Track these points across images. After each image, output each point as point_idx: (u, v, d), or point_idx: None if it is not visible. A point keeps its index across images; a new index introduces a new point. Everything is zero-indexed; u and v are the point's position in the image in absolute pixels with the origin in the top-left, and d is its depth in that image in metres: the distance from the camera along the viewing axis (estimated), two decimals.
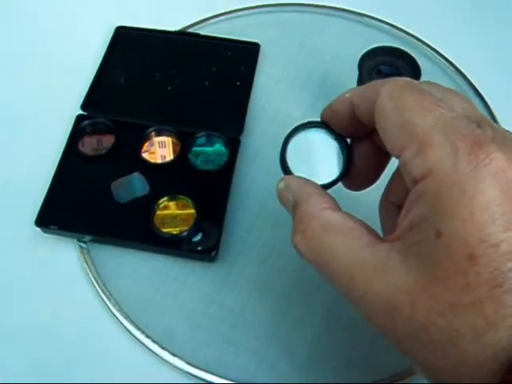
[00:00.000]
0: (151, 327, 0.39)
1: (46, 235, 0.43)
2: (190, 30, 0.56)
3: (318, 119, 0.32)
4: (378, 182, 0.32)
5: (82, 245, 0.42)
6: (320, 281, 0.28)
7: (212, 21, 0.57)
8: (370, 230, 0.27)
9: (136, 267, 0.42)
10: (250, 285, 0.41)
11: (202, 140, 0.47)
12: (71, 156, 0.46)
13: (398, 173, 0.31)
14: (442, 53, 0.55)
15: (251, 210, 0.45)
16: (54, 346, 0.39)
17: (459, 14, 0.60)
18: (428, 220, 0.23)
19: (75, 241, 0.43)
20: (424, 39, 0.56)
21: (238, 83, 0.51)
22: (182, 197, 0.43)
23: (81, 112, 0.48)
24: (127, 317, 0.39)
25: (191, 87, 0.51)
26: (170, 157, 0.46)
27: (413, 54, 0.46)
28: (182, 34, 0.55)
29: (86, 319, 0.40)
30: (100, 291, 0.40)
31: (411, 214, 0.24)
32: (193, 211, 0.43)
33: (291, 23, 0.57)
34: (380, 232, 0.29)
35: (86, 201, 0.44)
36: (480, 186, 0.22)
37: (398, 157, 0.26)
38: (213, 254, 0.41)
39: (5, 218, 0.44)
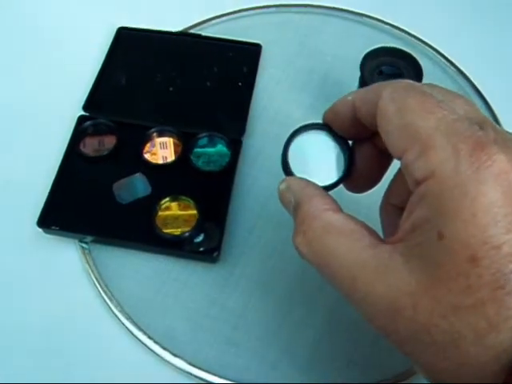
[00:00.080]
0: (153, 328, 0.39)
1: (48, 236, 0.43)
2: (192, 31, 0.56)
3: (320, 120, 0.32)
4: (379, 184, 0.32)
5: (84, 245, 0.42)
6: (321, 282, 0.28)
7: (213, 22, 0.57)
8: (372, 232, 0.27)
9: (138, 268, 0.42)
10: (251, 285, 0.41)
11: (204, 141, 0.47)
12: (73, 157, 0.46)
13: (399, 175, 0.31)
14: (443, 53, 0.55)
15: (253, 211, 0.45)
16: (55, 346, 0.39)
17: (460, 13, 0.60)
18: (430, 222, 0.23)
19: (77, 241, 0.43)
20: (424, 39, 0.56)
21: (240, 84, 0.51)
22: (183, 198, 0.43)
23: (82, 113, 0.48)
24: (129, 317, 0.39)
25: (193, 88, 0.51)
26: (171, 158, 0.46)
27: (413, 54, 0.46)
28: (184, 35, 0.55)
29: (87, 320, 0.40)
30: (101, 292, 0.40)
31: (413, 216, 0.24)
32: (195, 212, 0.43)
33: (292, 24, 0.57)
34: (381, 234, 0.29)
35: (88, 201, 0.44)
36: (482, 187, 0.22)
37: (399, 159, 0.26)
38: (215, 254, 0.41)
39: (7, 218, 0.44)
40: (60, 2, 0.59)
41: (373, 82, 0.45)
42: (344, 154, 0.31)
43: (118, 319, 0.39)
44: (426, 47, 0.55)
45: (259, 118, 0.50)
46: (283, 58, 0.54)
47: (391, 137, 0.26)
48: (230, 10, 0.58)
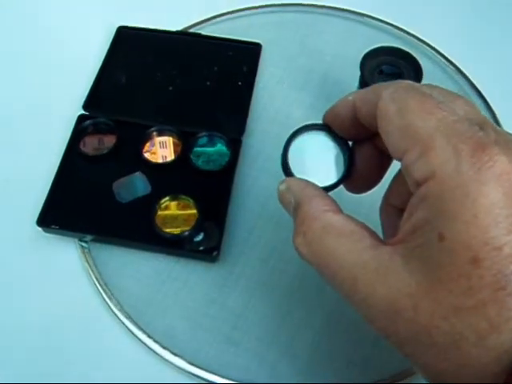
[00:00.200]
0: (152, 327, 0.39)
1: (48, 235, 0.43)
2: (192, 30, 0.56)
3: (320, 120, 0.32)
4: (379, 185, 0.32)
5: (84, 244, 0.42)
6: (321, 282, 0.28)
7: (213, 21, 0.57)
8: (372, 233, 0.27)
9: (137, 267, 0.42)
10: (251, 285, 0.41)
11: (204, 140, 0.47)
12: (73, 156, 0.46)
13: (399, 176, 0.31)
14: (443, 52, 0.55)
15: (252, 211, 0.45)
16: (55, 345, 0.39)
17: (460, 13, 0.60)
18: (431, 223, 0.23)
19: (76, 240, 0.43)
20: (424, 39, 0.56)
21: (240, 83, 0.51)
22: (183, 197, 0.43)
23: (82, 112, 0.48)
24: (128, 316, 0.39)
25: (193, 87, 0.51)
26: (170, 157, 0.46)
27: (413, 54, 0.46)
28: (184, 34, 0.55)
29: (87, 319, 0.40)
30: (101, 291, 0.40)
31: (414, 217, 0.24)
32: (194, 211, 0.43)
33: (292, 23, 0.57)
34: (381, 235, 0.29)
35: (88, 200, 0.44)
36: (483, 188, 0.22)
37: (400, 159, 0.26)
38: (214, 254, 0.41)
39: (6, 217, 0.44)
40: (60, 1, 0.59)
41: (373, 81, 0.45)
42: (344, 155, 0.31)
43: (118, 318, 0.39)
44: (426, 47, 0.55)
45: (259, 118, 0.50)
46: (283, 58, 0.54)
47: (391, 137, 0.26)
48: (230, 10, 0.58)
